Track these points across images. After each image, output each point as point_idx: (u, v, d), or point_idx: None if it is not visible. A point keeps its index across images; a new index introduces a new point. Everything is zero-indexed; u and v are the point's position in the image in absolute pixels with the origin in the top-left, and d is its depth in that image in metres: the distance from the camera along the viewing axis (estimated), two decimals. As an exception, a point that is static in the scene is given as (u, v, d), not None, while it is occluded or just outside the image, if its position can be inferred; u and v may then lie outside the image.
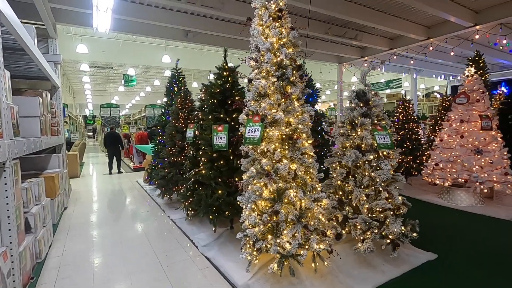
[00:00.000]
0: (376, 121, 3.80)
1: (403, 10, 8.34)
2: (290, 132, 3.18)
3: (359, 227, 3.58)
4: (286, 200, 3.15)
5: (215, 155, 4.14)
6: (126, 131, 16.52)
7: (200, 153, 4.46)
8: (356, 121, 3.87)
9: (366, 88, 3.92)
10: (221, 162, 4.19)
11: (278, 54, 3.22)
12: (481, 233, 4.67)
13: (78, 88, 28.01)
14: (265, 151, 3.25)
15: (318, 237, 3.22)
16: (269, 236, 3.14)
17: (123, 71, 20.67)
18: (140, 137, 11.61)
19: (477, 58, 6.65)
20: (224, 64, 4.34)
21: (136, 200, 7.37)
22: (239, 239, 3.32)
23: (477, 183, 5.60)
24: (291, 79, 3.24)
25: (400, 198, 3.70)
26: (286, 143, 3.20)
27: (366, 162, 3.74)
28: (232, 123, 4.17)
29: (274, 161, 3.17)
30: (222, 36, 10.43)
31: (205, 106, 5.35)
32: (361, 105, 3.86)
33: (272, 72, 3.20)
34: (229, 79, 4.24)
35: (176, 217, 5.75)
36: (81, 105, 35.56)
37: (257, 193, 3.22)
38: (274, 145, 3.18)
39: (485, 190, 5.62)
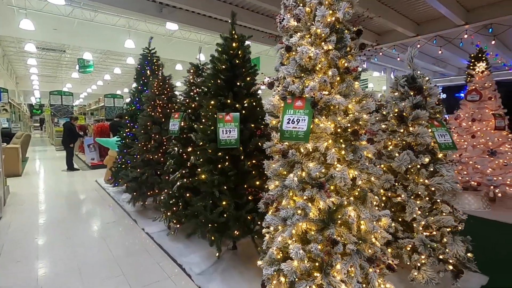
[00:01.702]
0: (432, 115, 2.95)
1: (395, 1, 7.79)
2: (348, 124, 2.18)
3: (418, 250, 2.72)
4: (339, 222, 2.16)
5: (220, 153, 3.01)
6: (82, 122, 14.36)
7: (197, 151, 3.29)
8: (405, 114, 2.99)
9: (418, 72, 3.05)
10: (227, 163, 3.07)
11: (333, 12, 2.19)
12: None
13: (22, 73, 24.38)
14: (311, 150, 2.22)
15: (378, 270, 2.29)
16: (317, 274, 2.12)
17: (78, 55, 18.16)
18: (100, 130, 9.86)
19: (480, 55, 6.28)
20: (233, 33, 3.18)
21: (97, 206, 5.90)
22: (245, 264, 2.27)
23: (492, 187, 5.10)
24: (349, 50, 2.24)
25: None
26: (341, 140, 2.20)
27: (419, 166, 2.89)
28: (243, 112, 3.07)
29: (326, 166, 2.16)
30: (205, 16, 9.12)
31: (199, 90, 4.16)
32: (412, 93, 2.99)
33: (325, 35, 2.17)
34: (239, 52, 3.12)
35: (153, 230, 4.49)
36: (26, 92, 31.25)
37: (300, 211, 2.18)
38: (327, 142, 2.16)
39: (499, 194, 5.15)
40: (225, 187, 3.04)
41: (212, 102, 3.09)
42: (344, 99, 2.09)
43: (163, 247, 3.95)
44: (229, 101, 3.02)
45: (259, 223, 3.16)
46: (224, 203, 3.07)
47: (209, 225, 3.09)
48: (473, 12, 7.93)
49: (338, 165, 2.16)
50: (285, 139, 2.19)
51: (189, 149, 4.15)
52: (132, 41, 13.80)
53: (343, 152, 2.17)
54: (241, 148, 2.99)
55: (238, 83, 3.10)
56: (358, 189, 2.24)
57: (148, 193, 5.08)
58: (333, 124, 2.17)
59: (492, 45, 8.65)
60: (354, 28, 2.29)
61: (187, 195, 4.08)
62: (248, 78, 3.14)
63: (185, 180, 4.07)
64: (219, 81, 3.12)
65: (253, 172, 3.05)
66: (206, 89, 3.29)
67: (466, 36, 8.23)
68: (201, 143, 3.19)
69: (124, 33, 14.80)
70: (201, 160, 3.26)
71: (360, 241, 2.18)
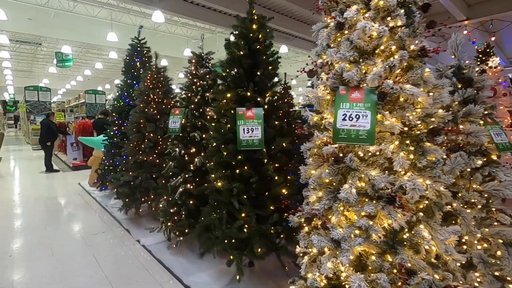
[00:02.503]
0: (485, 111, 2.55)
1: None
2: (418, 122, 1.72)
3: (477, 267, 2.31)
4: (407, 244, 1.71)
5: (239, 157, 2.48)
6: (61, 120, 13.33)
7: (210, 154, 2.75)
8: (452, 109, 2.57)
9: (467, 62, 2.65)
10: (245, 167, 2.55)
11: (397, -21, 1.72)
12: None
13: (-6, 67, 22.63)
14: (371, 155, 1.74)
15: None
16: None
17: (56, 48, 16.92)
18: (82, 127, 9.02)
19: (488, 50, 6.05)
20: (253, 13, 2.63)
21: (82, 213, 5.21)
22: (265, 284, 1.79)
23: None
24: (416, 29, 1.78)
25: (516, 221, 2.52)
26: (408, 141, 1.74)
27: (470, 170, 2.48)
28: (266, 107, 2.55)
29: (392, 174, 1.69)
30: (200, 6, 8.47)
31: (202, 82, 3.61)
32: (461, 86, 2.58)
33: (390, 9, 1.69)
34: (260, 36, 2.60)
35: (150, 242, 3.91)
36: (-2, 88, 29.18)
37: (357, 231, 1.71)
38: (393, 144, 1.69)
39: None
40: (244, 196, 2.52)
41: (229, 95, 2.56)
42: (418, 90, 1.62)
43: (164, 264, 3.39)
44: (249, 94, 2.50)
45: (281, 236, 2.68)
46: (243, 215, 2.55)
47: (226, 241, 2.57)
48: (474, 8, 7.74)
49: (407, 173, 1.70)
50: (341, 141, 1.71)
51: (193, 150, 3.60)
52: (115, 34, 12.87)
53: (411, 156, 1.71)
54: (264, 150, 2.48)
55: (258, 73, 2.59)
56: (426, 202, 1.79)
57: (143, 199, 4.47)
58: (400, 121, 1.70)
59: (492, 42, 8.50)
60: (420, 2, 1.83)
61: (191, 202, 3.54)
62: (270, 67, 2.63)
63: (188, 185, 3.53)
64: (236, 70, 2.59)
65: (277, 178, 2.55)
66: (220, 80, 2.74)
67: (465, 32, 8.03)
68: (214, 144, 2.65)
69: (106, 25, 13.84)
70: (214, 164, 2.72)
71: (432, 267, 1.74)
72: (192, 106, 3.67)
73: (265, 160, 2.51)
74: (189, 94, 3.75)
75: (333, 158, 1.78)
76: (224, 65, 2.62)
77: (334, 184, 1.88)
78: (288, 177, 2.68)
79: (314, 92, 1.90)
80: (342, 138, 1.70)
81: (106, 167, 5.69)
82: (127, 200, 4.46)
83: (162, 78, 4.72)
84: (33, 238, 4.10)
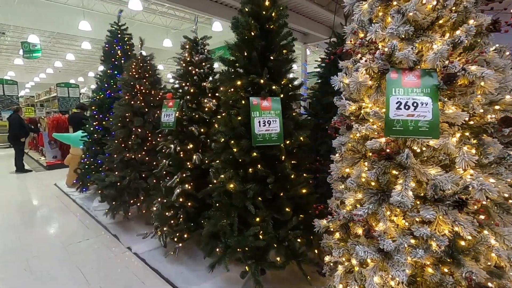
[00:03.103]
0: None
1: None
2: (481, 110, 1.45)
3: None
4: (470, 253, 1.45)
5: (254, 154, 2.13)
6: (31, 115, 12.29)
7: (217, 151, 2.37)
8: None
9: None
10: (259, 165, 2.21)
11: None
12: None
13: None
14: (426, 149, 1.46)
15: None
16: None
17: (21, 38, 15.56)
18: (56, 123, 8.24)
19: None
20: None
21: (61, 218, 4.67)
22: None
23: None
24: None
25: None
26: (467, 133, 1.47)
27: None
28: (281, 96, 2.21)
29: (458, 174, 1.42)
30: None
31: (198, 71, 3.21)
32: None
33: (452, -25, 1.39)
34: (273, 14, 2.22)
35: (143, 250, 3.50)
36: (-43, 82, 26.66)
37: (413, 241, 1.43)
38: (454, 137, 1.42)
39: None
40: (260, 199, 2.19)
41: (239, 83, 2.19)
42: (491, 72, 1.34)
43: (161, 274, 3.01)
44: (262, 81, 2.15)
45: (298, 240, 2.38)
46: (257, 219, 2.22)
47: (238, 249, 2.23)
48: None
49: (468, 171, 1.44)
50: (396, 134, 1.41)
51: (190, 146, 3.21)
52: (88, 23, 11.93)
53: (473, 151, 1.44)
54: (282, 145, 2.15)
55: (271, 57, 2.23)
56: (486, 203, 1.54)
57: (132, 201, 4.02)
58: (464, 109, 1.42)
59: None
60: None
61: (189, 204, 3.17)
62: (284, 51, 2.28)
63: (186, 186, 3.15)
64: (246, 53, 2.22)
65: (296, 177, 2.24)
66: (227, 65, 2.34)
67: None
68: (221, 139, 2.28)
69: (77, 13, 12.84)
70: (221, 162, 2.36)
71: (494, 277, 1.50)
72: (188, 97, 3.26)
73: (283, 157, 2.18)
74: (183, 84, 3.33)
75: (382, 154, 1.47)
76: (233, 48, 2.24)
77: (373, 184, 1.59)
78: (304, 175, 2.38)
79: (354, 77, 1.58)
80: (397, 131, 1.40)
81: (86, 166, 5.15)
82: (113, 203, 3.99)
83: (149, 67, 4.23)
84: (4, 251, 3.57)
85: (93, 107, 5.28)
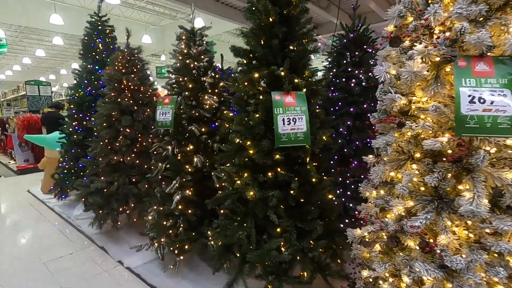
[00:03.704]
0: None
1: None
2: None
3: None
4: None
5: (277, 156, 1.85)
6: (-4, 115, 11.23)
7: (231, 153, 2.07)
8: None
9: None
10: (280, 169, 1.93)
11: None
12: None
13: None
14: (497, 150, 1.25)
15: None
16: None
17: (-16, 32, 14.25)
18: (27, 124, 7.49)
19: None
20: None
21: (38, 229, 4.15)
22: None
23: None
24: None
25: None
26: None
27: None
28: (304, 90, 1.93)
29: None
30: None
31: (198, 64, 2.88)
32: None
33: None
34: (293, -1, 1.94)
35: (136, 263, 3.12)
36: None
37: (487, 256, 1.22)
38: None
39: None
40: (282, 207, 1.92)
41: (256, 75, 1.90)
42: None
43: (161, 291, 2.67)
44: (283, 73, 1.87)
45: (319, 249, 2.13)
46: (278, 229, 1.95)
47: (257, 264, 1.95)
48: None
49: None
50: (470, 132, 1.19)
51: (190, 147, 2.88)
52: (60, 17, 11.09)
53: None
54: (308, 146, 1.89)
55: (292, 47, 1.96)
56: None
57: (121, 209, 3.61)
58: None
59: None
60: None
61: (189, 212, 2.84)
62: (305, 40, 2.02)
63: (187, 192, 2.81)
64: (263, 42, 1.93)
65: (320, 181, 1.98)
66: (240, 56, 2.03)
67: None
68: (237, 140, 1.98)
69: (48, 6, 11.94)
70: (234, 166, 2.06)
71: None
72: (186, 93, 2.92)
73: (307, 159, 1.92)
74: (180, 79, 2.98)
75: (450, 156, 1.24)
76: (249, 35, 1.94)
77: (426, 189, 1.37)
78: (325, 178, 2.13)
79: (408, 66, 1.34)
80: (471, 128, 1.18)
81: (65, 171, 4.63)
82: (100, 211, 3.56)
83: (137, 61, 3.82)
84: (-28, 271, 3.06)
85: (72, 106, 4.76)
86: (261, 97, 1.92)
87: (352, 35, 3.00)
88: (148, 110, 3.80)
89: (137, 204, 3.59)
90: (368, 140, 2.84)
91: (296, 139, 1.81)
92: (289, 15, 1.95)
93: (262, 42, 1.94)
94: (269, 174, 1.93)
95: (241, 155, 1.99)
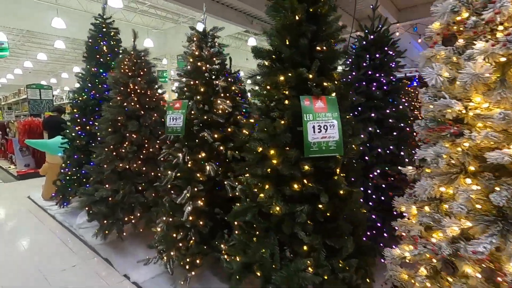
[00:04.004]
0: None
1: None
2: None
3: None
4: None
5: (306, 167, 1.66)
6: (-3, 119, 11.04)
7: (251, 163, 1.88)
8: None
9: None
10: (307, 181, 1.75)
11: None
12: None
13: None
14: None
15: None
16: None
17: (-14, 35, 14.10)
18: (28, 128, 7.29)
19: None
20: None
21: (38, 238, 3.93)
22: None
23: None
24: None
25: None
26: None
27: None
28: (333, 95, 1.75)
29: None
30: None
31: (210, 67, 2.71)
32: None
33: None
34: (321, -5, 1.77)
35: (144, 278, 2.91)
36: None
37: None
38: None
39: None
40: (310, 222, 1.72)
41: (282, 78, 1.72)
42: None
43: (172, 309, 2.46)
44: (311, 76, 1.69)
45: (351, 269, 1.93)
46: (305, 247, 1.76)
47: (283, 287, 1.75)
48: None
49: None
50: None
51: (202, 155, 2.69)
52: (62, 20, 10.94)
53: None
54: (339, 156, 1.70)
55: (319, 48, 1.78)
56: None
57: (126, 219, 3.40)
58: None
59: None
60: None
61: (201, 223, 2.65)
62: (332, 40, 1.84)
63: (199, 202, 2.62)
64: (289, 42, 1.75)
65: (349, 194, 1.79)
66: (262, 57, 1.85)
67: (397, 33, 8.39)
68: (259, 148, 1.79)
69: (51, 10, 11.80)
70: (254, 177, 1.87)
71: None
72: (198, 97, 2.73)
73: (337, 170, 1.73)
74: (191, 82, 2.80)
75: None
76: (273, 34, 1.76)
77: (478, 207, 1.19)
78: (354, 190, 1.94)
79: (468, 68, 1.16)
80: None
81: (68, 177, 4.43)
82: (105, 221, 3.36)
83: (143, 64, 3.64)
84: (-32, 286, 2.85)
85: (75, 110, 4.57)
86: (286, 102, 1.73)
87: (372, 36, 2.83)
88: (155, 114, 3.61)
89: (144, 214, 3.38)
90: (391, 148, 2.66)
91: (328, 149, 1.62)
92: (317, 13, 1.78)
93: (287, 42, 1.76)
94: (295, 186, 1.74)
95: (264, 165, 1.80)
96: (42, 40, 15.76)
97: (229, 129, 2.77)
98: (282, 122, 1.71)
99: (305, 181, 1.77)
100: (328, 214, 1.77)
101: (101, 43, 4.69)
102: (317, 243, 1.74)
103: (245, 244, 2.01)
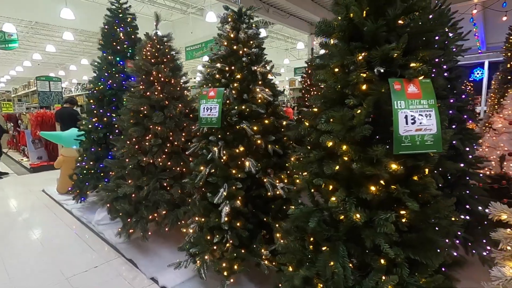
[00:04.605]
0: None
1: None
2: None
3: None
4: None
5: (393, 166, 1.32)
6: (10, 111, 10.81)
7: (315, 159, 1.55)
8: None
9: None
10: (391, 184, 1.42)
11: None
12: None
13: None
14: None
15: None
16: None
17: (-5, 27, 13.78)
18: (40, 120, 7.01)
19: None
20: None
21: (55, 236, 3.67)
22: None
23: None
24: None
25: None
26: None
27: None
28: (421, 77, 1.40)
29: None
30: None
31: (248, 51, 2.37)
32: None
33: None
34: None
35: (174, 283, 2.63)
36: None
37: None
38: None
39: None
40: (393, 232, 1.40)
41: (360, 57, 1.37)
42: None
43: (209, 320, 2.17)
44: (396, 54, 1.35)
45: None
46: (382, 261, 1.44)
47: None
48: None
49: None
50: None
51: (241, 149, 2.37)
52: (71, 11, 10.55)
53: None
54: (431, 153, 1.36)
55: (400, 21, 1.43)
56: None
57: (150, 217, 3.11)
58: None
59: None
60: None
61: (237, 224, 2.34)
62: (416, 12, 1.49)
63: (238, 202, 2.31)
64: (365, 13, 1.40)
65: (440, 198, 1.47)
66: (327, 35, 1.51)
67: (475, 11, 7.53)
68: (329, 143, 1.46)
69: (59, 0, 11.40)
70: (319, 176, 1.55)
71: None
72: (235, 84, 2.40)
73: (427, 170, 1.40)
74: (226, 68, 2.46)
75: None
76: (351, 3, 1.40)
77: None
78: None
79: None
80: None
81: (85, 171, 4.15)
82: (129, 220, 3.07)
83: (167, 50, 3.30)
84: (-15, 290, 2.60)
85: (91, 101, 4.26)
86: (363, 87, 1.40)
87: (431, 16, 2.45)
88: (180, 105, 3.29)
89: (169, 212, 3.09)
90: (453, 142, 2.32)
91: (423, 144, 1.29)
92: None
93: (364, 14, 1.42)
94: (373, 188, 1.42)
95: (332, 162, 1.47)
96: (51, 32, 15.39)
97: (267, 121, 2.45)
98: (358, 111, 1.38)
99: (386, 182, 1.44)
100: (412, 222, 1.45)
101: (118, 29, 4.34)
102: (400, 257, 1.42)
103: (301, 253, 1.70)
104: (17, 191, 5.60)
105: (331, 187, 1.52)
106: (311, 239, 1.67)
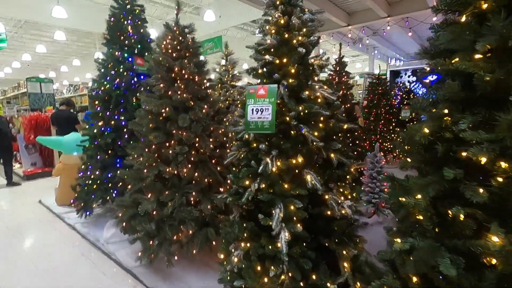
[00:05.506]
0: None
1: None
2: None
3: None
4: None
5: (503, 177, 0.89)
6: (-2, 114, 9.94)
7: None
8: None
9: None
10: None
11: None
12: None
13: None
14: None
15: None
16: None
17: (-19, 26, 12.78)
18: (34, 123, 6.29)
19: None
20: None
21: (59, 256, 3.08)
22: None
23: None
24: None
25: None
26: None
27: None
28: None
29: None
30: None
31: (303, 40, 1.89)
32: None
33: None
34: None
35: (212, 319, 2.11)
36: None
37: None
38: None
39: None
40: None
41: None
42: None
43: None
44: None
45: None
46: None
47: None
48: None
49: None
50: None
51: (299, 160, 1.88)
52: (63, 9, 9.80)
53: None
54: None
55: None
56: None
57: (175, 238, 2.58)
58: None
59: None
60: None
61: (297, 251, 1.86)
62: None
63: (298, 226, 1.82)
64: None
65: None
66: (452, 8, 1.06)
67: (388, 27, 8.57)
68: (481, 157, 1.00)
69: (50, -1, 10.60)
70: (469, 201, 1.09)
71: None
72: (290, 80, 1.91)
73: None
74: (277, 61, 1.97)
75: None
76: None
77: None
78: None
79: None
80: None
81: (90, 182, 3.57)
82: (151, 242, 2.53)
83: (190, 42, 2.78)
84: None
85: (97, 102, 3.68)
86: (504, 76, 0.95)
87: None
88: (205, 106, 2.78)
89: (198, 233, 2.57)
90: None
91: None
92: None
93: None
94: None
95: (475, 186, 1.01)
96: (41, 31, 14.46)
97: (330, 124, 1.97)
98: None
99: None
100: None
101: (125, 22, 3.77)
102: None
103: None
104: (10, 202, 4.94)
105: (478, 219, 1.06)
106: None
